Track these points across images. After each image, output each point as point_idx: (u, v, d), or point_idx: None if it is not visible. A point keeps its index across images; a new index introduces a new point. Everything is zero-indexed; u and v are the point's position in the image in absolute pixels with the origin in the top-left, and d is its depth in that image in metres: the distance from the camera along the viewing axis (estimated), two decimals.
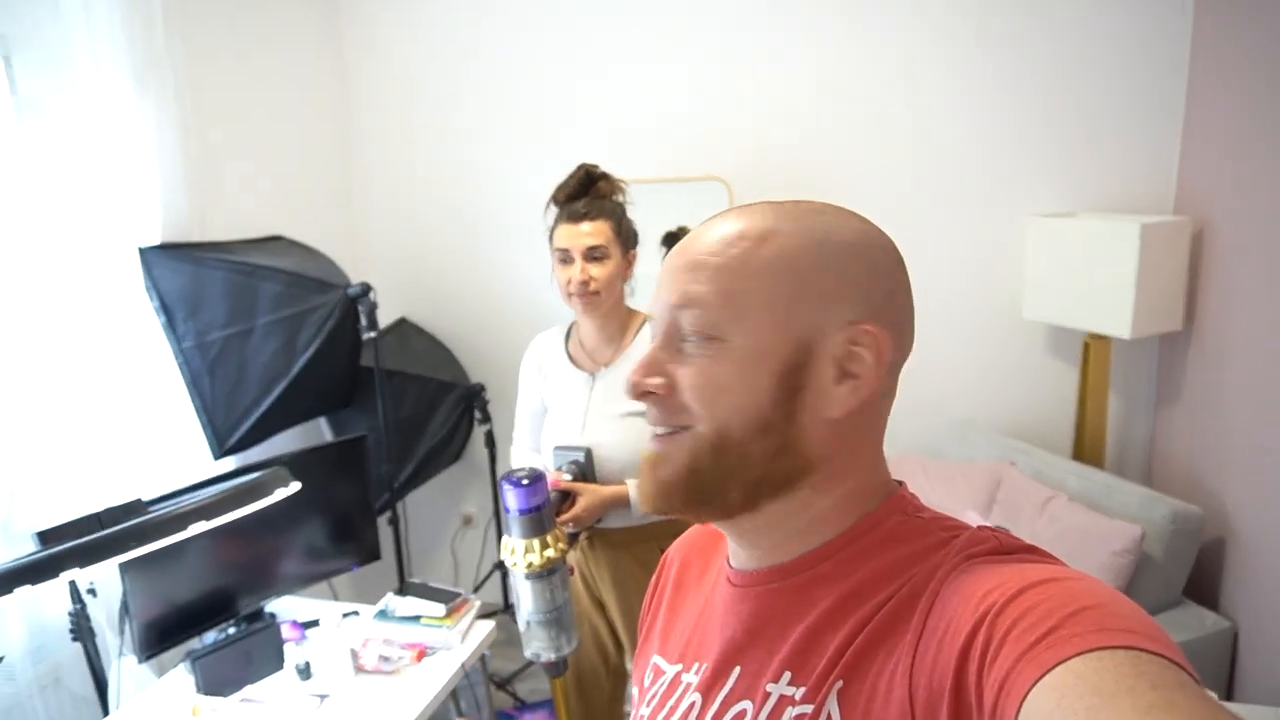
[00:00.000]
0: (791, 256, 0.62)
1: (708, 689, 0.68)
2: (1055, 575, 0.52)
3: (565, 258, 1.81)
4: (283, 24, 2.81)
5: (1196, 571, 2.20)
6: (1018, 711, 0.45)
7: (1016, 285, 2.64)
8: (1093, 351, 2.51)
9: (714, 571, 0.77)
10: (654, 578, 0.88)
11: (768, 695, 0.63)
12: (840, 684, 0.59)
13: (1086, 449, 2.56)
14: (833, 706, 0.59)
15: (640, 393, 0.66)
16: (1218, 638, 2.10)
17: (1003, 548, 0.59)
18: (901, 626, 0.58)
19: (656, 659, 0.78)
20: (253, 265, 2.31)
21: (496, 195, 3.09)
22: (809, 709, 0.59)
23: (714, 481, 0.63)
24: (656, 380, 0.65)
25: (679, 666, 0.73)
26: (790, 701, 0.61)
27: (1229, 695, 2.14)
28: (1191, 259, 2.34)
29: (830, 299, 0.62)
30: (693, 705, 0.69)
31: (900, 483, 0.69)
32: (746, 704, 0.64)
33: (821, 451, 0.63)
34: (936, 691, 0.52)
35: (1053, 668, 0.45)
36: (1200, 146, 2.39)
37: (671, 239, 2.82)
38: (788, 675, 0.62)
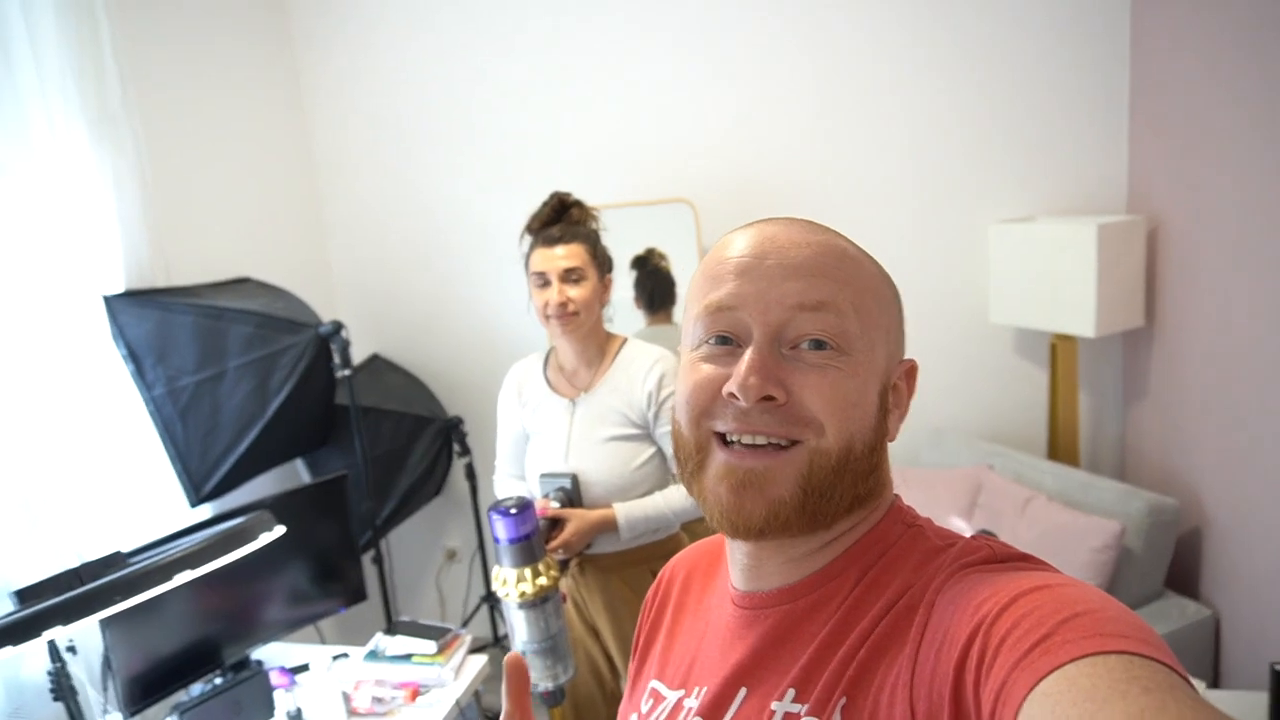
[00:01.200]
0: (883, 285, 0.67)
1: (710, 712, 0.67)
2: (1048, 583, 0.53)
3: (543, 281, 1.82)
4: (237, 65, 2.79)
5: (1176, 562, 2.24)
6: (1014, 718, 0.45)
7: (982, 290, 2.69)
8: (1060, 352, 2.56)
9: (714, 593, 0.76)
10: (650, 594, 0.87)
11: (773, 714, 0.62)
12: (844, 700, 0.59)
13: (1061, 448, 2.60)
14: None
15: (760, 397, 0.60)
16: (1200, 626, 2.14)
17: (995, 556, 0.60)
18: (900, 638, 0.58)
19: (655, 684, 0.76)
20: (221, 308, 2.29)
21: (464, 227, 3.09)
22: None
23: (828, 497, 0.62)
24: (778, 388, 0.61)
25: (680, 692, 0.72)
26: (795, 719, 0.61)
27: (1215, 682, 2.18)
28: (1148, 256, 2.40)
29: (897, 332, 0.68)
30: None
31: (896, 494, 0.71)
32: None
33: (885, 472, 0.68)
34: (936, 702, 0.53)
35: (1047, 674, 0.45)
36: (1147, 145, 2.47)
37: (641, 262, 2.84)
38: (792, 693, 0.62)
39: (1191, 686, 0.45)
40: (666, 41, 2.80)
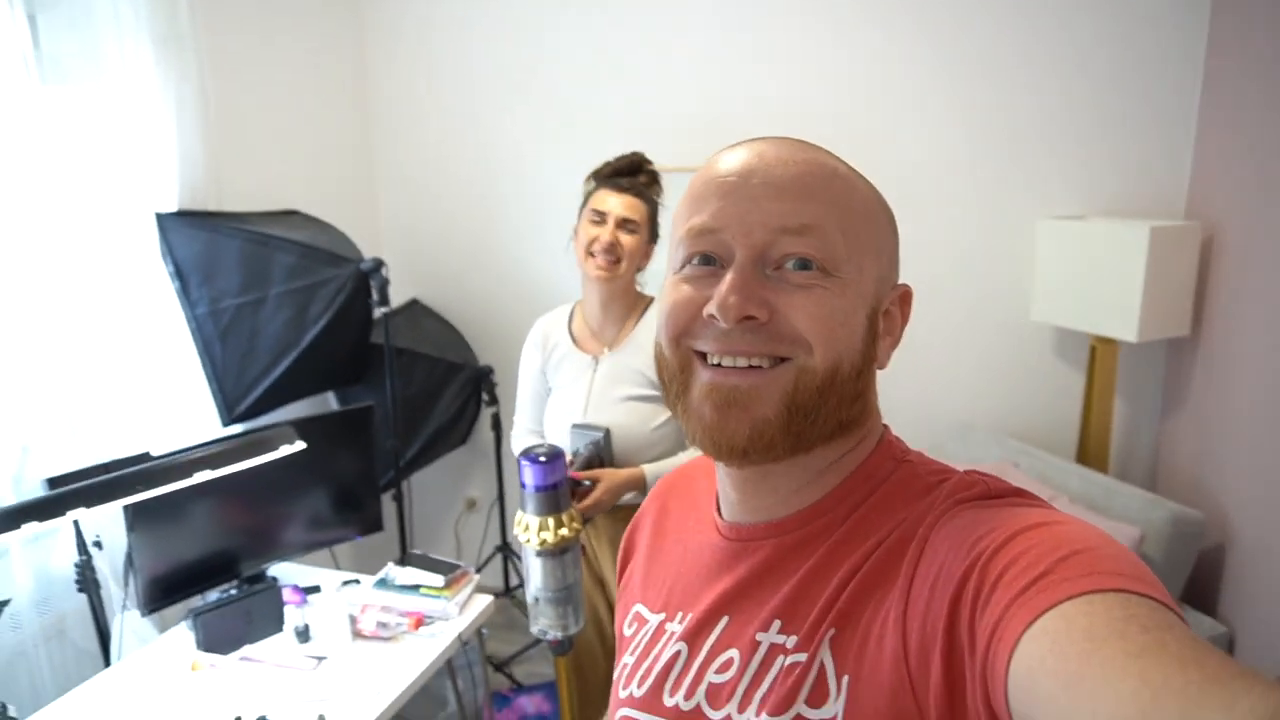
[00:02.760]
0: (875, 207, 0.66)
1: (692, 638, 0.68)
2: (1045, 520, 0.53)
3: (599, 219, 1.84)
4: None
5: (1195, 577, 2.19)
6: (1010, 655, 0.45)
7: (1025, 286, 2.64)
8: (1099, 355, 2.51)
9: (695, 519, 0.76)
10: (633, 519, 0.88)
11: (757, 644, 0.62)
12: (833, 632, 0.59)
13: (1090, 452, 2.56)
14: (825, 655, 0.59)
15: (740, 317, 0.60)
16: (1215, 642, 2.08)
17: (990, 492, 0.59)
18: (892, 573, 0.58)
19: (638, 607, 0.77)
20: (267, 235, 2.34)
21: (513, 179, 3.11)
22: (802, 658, 0.59)
23: (812, 418, 0.61)
24: (760, 307, 0.60)
25: (662, 615, 0.73)
26: (782, 650, 0.61)
27: None
28: (1201, 264, 2.34)
29: (889, 256, 0.67)
30: (677, 654, 0.68)
31: (885, 425, 0.70)
32: (733, 652, 0.64)
33: (873, 400, 0.67)
34: (929, 637, 0.53)
35: (1044, 612, 0.45)
36: (1213, 152, 2.39)
37: None
38: (778, 624, 0.62)
39: (1186, 624, 0.45)
40: (722, 14, 2.78)
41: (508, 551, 3.21)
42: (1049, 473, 2.41)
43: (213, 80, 2.30)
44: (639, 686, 0.70)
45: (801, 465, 0.65)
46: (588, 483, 1.79)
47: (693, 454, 1.88)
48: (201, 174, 2.29)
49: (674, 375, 0.65)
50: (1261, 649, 2.04)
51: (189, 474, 1.36)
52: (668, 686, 0.68)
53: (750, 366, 0.61)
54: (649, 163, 1.96)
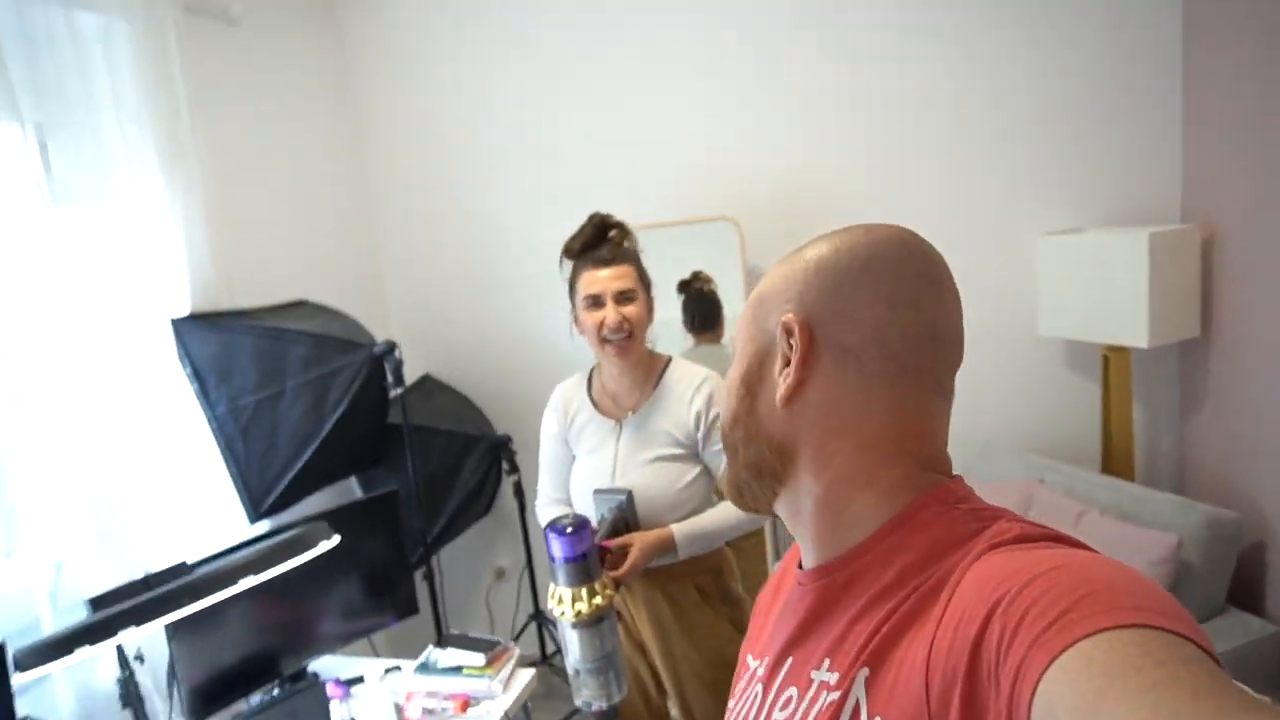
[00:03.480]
0: (761, 290, 0.75)
1: (767, 680, 0.74)
2: (1068, 560, 0.53)
3: (596, 303, 1.82)
4: (294, 95, 2.92)
5: (1238, 577, 2.17)
6: (1032, 695, 0.46)
7: (1031, 303, 2.66)
8: (1112, 364, 2.51)
9: (795, 572, 0.82)
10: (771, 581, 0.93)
11: (810, 682, 0.67)
12: (866, 672, 0.61)
13: (1116, 461, 2.55)
14: (860, 692, 0.61)
15: None
16: (1265, 643, 2.07)
17: (1025, 536, 0.60)
18: (925, 615, 0.59)
19: (748, 657, 0.83)
20: (280, 329, 2.37)
21: (512, 246, 3.16)
22: (838, 695, 0.63)
23: (733, 470, 0.76)
24: None
25: (758, 663, 0.78)
26: (826, 687, 0.65)
27: None
28: (1203, 264, 2.36)
29: (775, 307, 0.71)
30: (755, 696, 0.74)
31: (954, 476, 0.70)
32: (793, 690, 0.69)
33: (785, 434, 0.70)
34: (950, 679, 0.54)
35: (1063, 651, 0.46)
36: (1202, 152, 2.43)
37: (686, 285, 2.86)
38: (827, 662, 0.66)
39: (1214, 658, 0.45)
40: (708, 58, 2.85)
41: (541, 619, 3.19)
42: (1076, 486, 2.40)
43: (215, 183, 2.36)
44: None
45: (800, 508, 0.72)
46: (617, 549, 1.78)
47: (722, 510, 1.87)
48: (211, 275, 2.33)
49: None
50: None
51: (233, 582, 1.37)
52: None
53: None
54: (613, 221, 1.90)
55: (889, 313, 0.67)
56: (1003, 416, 2.79)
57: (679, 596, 1.90)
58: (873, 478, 0.68)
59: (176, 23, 2.21)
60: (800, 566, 0.76)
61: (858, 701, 0.61)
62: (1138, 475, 2.58)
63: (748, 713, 0.75)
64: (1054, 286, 2.55)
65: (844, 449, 0.68)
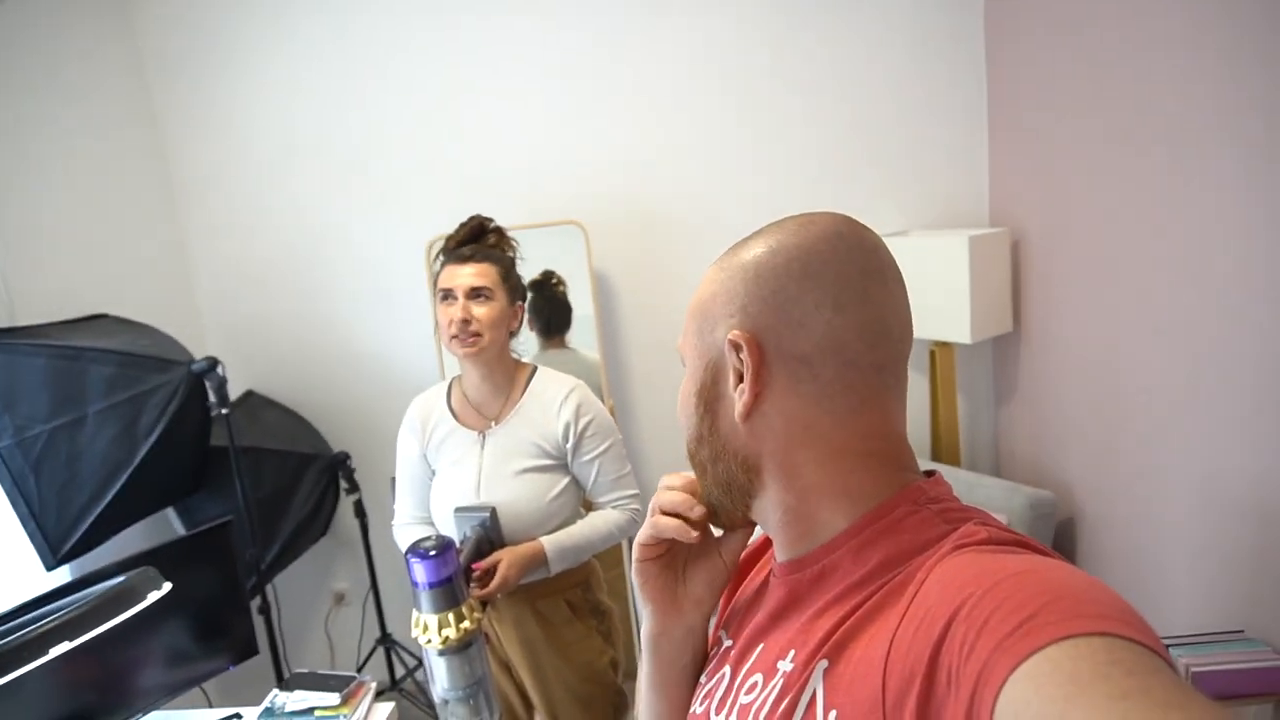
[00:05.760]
0: (701, 298, 0.72)
1: (736, 664, 0.76)
2: (1034, 566, 0.53)
3: (447, 296, 1.76)
4: (84, 89, 2.59)
5: (1056, 548, 2.38)
6: (995, 700, 0.45)
7: None
8: (939, 358, 2.69)
9: (767, 558, 0.84)
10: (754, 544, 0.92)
11: (775, 670, 0.68)
12: (826, 663, 0.62)
13: (943, 449, 2.74)
14: (818, 683, 0.62)
15: None
16: None
17: (993, 539, 0.60)
18: (888, 612, 0.60)
19: (721, 633, 0.84)
20: (78, 348, 2.09)
21: (344, 256, 2.96)
22: (798, 685, 0.64)
23: (703, 488, 0.76)
24: None
25: (729, 642, 0.80)
26: (787, 676, 0.66)
27: None
28: (1013, 265, 2.57)
29: (720, 319, 0.69)
30: (724, 677, 0.77)
31: (929, 473, 0.70)
32: (758, 676, 0.71)
33: (750, 449, 0.69)
34: (908, 678, 0.53)
35: (1028, 656, 0.45)
36: (1005, 158, 2.64)
37: (539, 286, 2.80)
38: (792, 653, 0.67)
39: (1174, 669, 0.46)
40: (554, 63, 2.79)
41: (389, 643, 3.02)
42: None
43: None
44: (699, 704, 0.79)
45: (772, 516, 0.72)
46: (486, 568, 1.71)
47: (591, 522, 1.84)
48: None
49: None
50: None
51: (43, 651, 1.16)
52: (713, 705, 0.76)
53: None
54: (491, 222, 1.90)
55: (837, 316, 0.65)
56: None
57: (549, 614, 1.85)
58: (843, 484, 0.67)
59: None
60: (774, 556, 0.77)
61: (815, 692, 0.62)
62: (962, 462, 2.78)
63: (714, 690, 0.77)
64: None
65: (810, 458, 0.67)
